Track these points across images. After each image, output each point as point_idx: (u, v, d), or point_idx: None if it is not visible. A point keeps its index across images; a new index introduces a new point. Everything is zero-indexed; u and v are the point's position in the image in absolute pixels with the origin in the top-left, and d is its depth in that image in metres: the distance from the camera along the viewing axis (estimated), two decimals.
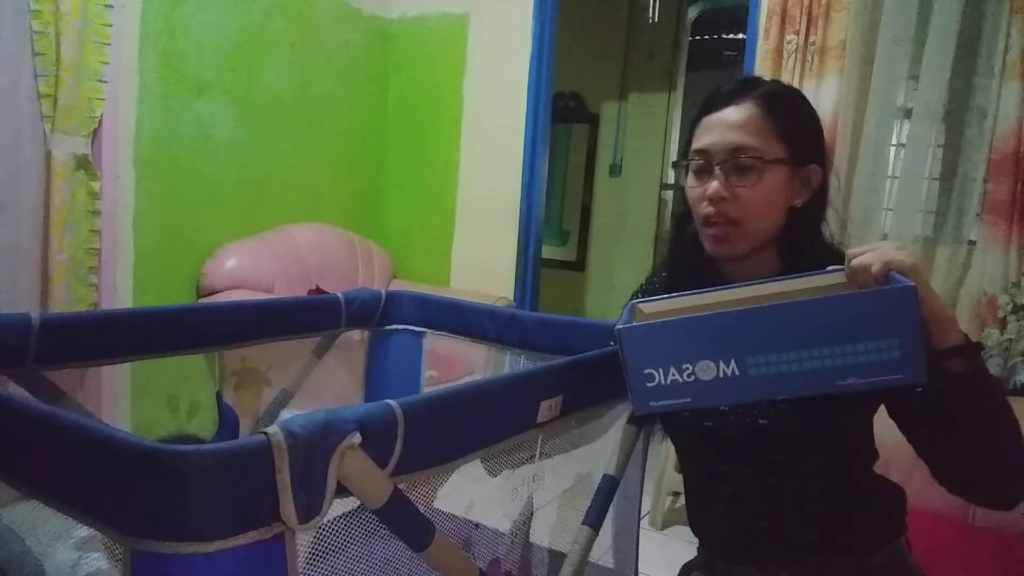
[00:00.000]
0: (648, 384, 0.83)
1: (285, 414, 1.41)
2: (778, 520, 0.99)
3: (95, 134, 2.26)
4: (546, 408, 0.85)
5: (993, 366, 2.10)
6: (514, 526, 0.95)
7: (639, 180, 4.51)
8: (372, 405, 0.64)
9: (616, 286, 4.58)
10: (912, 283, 0.75)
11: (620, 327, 0.83)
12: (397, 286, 3.18)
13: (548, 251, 4.39)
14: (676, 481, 2.53)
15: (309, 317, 1.39)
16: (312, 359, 1.44)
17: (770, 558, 1.01)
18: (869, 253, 0.81)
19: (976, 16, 2.21)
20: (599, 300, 4.60)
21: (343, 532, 0.71)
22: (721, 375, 0.81)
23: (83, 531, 0.84)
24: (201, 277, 2.64)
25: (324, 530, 0.70)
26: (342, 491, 0.62)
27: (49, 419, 0.58)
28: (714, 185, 0.93)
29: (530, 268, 3.23)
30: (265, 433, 0.56)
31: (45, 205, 2.18)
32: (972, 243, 2.22)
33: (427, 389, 1.49)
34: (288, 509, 0.57)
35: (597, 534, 0.92)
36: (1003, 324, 2.10)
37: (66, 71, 2.13)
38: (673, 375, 0.82)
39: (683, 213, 1.05)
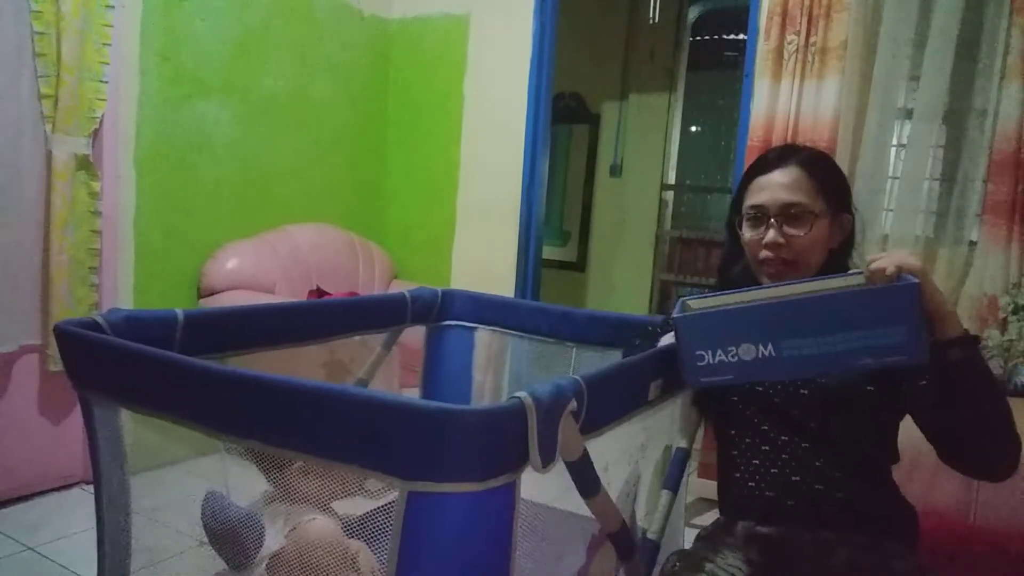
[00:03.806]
0: (699, 364, 0.99)
1: None
2: (808, 474, 1.11)
3: (96, 134, 2.27)
4: (654, 388, 1.04)
5: (994, 367, 2.10)
6: (626, 486, 1.12)
7: (639, 180, 4.51)
8: (567, 378, 0.81)
9: (616, 286, 4.58)
10: (916, 280, 0.91)
11: (676, 316, 1.01)
12: (397, 286, 3.18)
13: (548, 251, 4.39)
14: None
15: (383, 314, 1.61)
16: (383, 352, 1.66)
17: (794, 518, 1.09)
18: (884, 258, 0.95)
19: (976, 17, 2.21)
20: (599, 301, 4.60)
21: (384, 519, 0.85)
22: (760, 356, 0.96)
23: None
24: (202, 277, 2.64)
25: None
26: None
27: (344, 392, 0.75)
28: (771, 234, 1.15)
29: (530, 268, 3.23)
30: (518, 397, 0.74)
31: (46, 205, 2.18)
32: (973, 244, 2.22)
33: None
34: (536, 457, 0.75)
35: (676, 495, 1.15)
36: (1004, 325, 2.10)
37: (67, 71, 2.13)
38: (720, 356, 0.98)
39: (728, 254, 1.29)
